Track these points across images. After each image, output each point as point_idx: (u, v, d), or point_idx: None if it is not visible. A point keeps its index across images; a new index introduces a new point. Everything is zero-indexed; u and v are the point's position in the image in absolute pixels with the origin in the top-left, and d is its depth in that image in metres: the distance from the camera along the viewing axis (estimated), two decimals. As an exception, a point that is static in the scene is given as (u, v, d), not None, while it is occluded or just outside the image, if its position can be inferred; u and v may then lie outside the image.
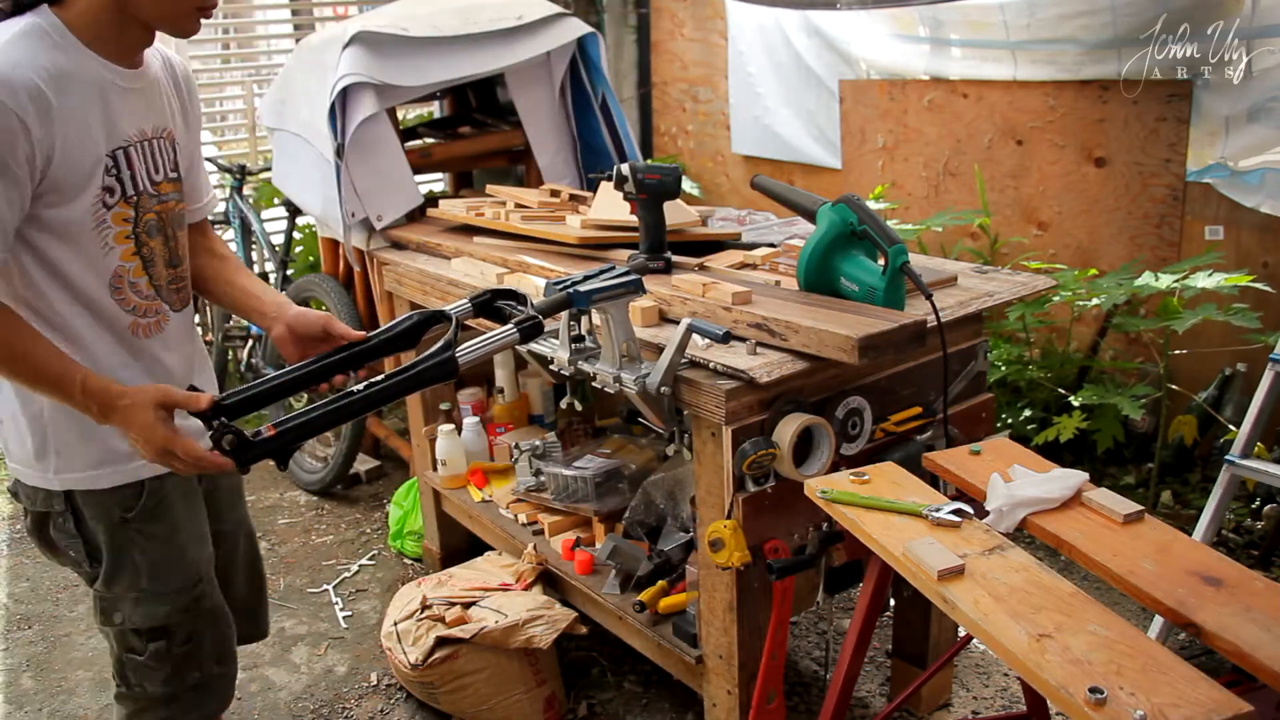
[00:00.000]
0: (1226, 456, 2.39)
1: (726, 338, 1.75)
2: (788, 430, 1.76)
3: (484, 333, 1.67)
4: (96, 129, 1.45)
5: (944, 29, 3.61)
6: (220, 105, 5.22)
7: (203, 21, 1.49)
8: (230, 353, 4.26)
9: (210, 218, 1.83)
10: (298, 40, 4.34)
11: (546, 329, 1.99)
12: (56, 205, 1.43)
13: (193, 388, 1.49)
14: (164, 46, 1.65)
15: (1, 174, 1.35)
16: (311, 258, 4.41)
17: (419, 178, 3.17)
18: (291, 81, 3.14)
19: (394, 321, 1.65)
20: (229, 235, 4.20)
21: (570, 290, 1.77)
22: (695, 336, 1.86)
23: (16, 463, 1.60)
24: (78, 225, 1.46)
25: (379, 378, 1.51)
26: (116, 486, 1.58)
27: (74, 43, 1.42)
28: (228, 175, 4.13)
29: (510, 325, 1.66)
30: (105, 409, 1.43)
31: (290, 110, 3.11)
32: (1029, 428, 3.20)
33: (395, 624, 2.39)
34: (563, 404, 2.17)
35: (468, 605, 2.38)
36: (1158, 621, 2.40)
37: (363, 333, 1.67)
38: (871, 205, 2.64)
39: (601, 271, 1.83)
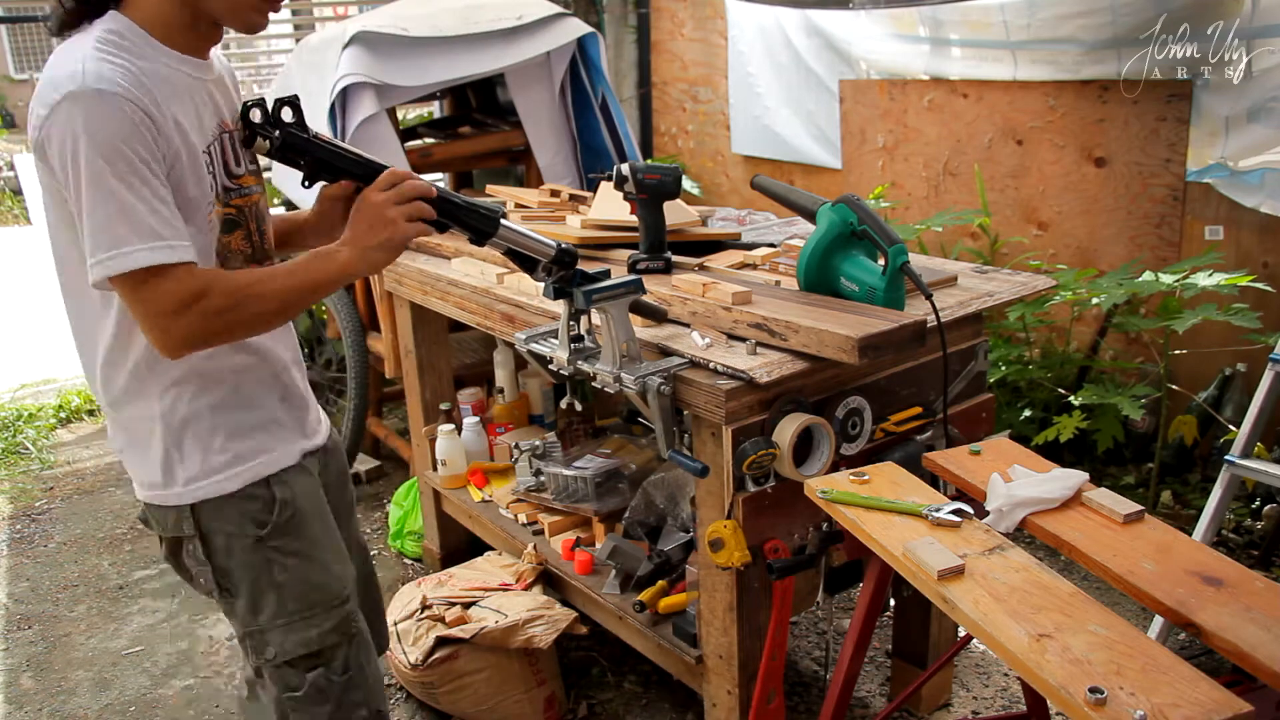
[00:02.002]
0: (1226, 456, 2.39)
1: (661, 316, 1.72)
2: (788, 430, 1.76)
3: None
4: (193, 129, 1.40)
5: (944, 29, 3.61)
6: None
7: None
8: None
9: None
10: (298, 40, 4.34)
11: (546, 329, 2.00)
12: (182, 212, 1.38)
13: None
14: None
15: (143, 174, 1.30)
16: (311, 258, 4.40)
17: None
18: (291, 81, 3.14)
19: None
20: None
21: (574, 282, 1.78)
22: (695, 336, 1.86)
23: (143, 487, 1.52)
24: (197, 229, 1.41)
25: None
26: (246, 491, 1.50)
27: (153, 43, 1.38)
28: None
29: (551, 245, 1.69)
30: (352, 244, 1.42)
31: (290, 110, 3.11)
32: (1029, 428, 3.20)
33: (395, 624, 2.39)
34: (563, 404, 2.16)
35: (468, 605, 2.38)
36: (1158, 621, 2.40)
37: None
38: (871, 205, 2.63)
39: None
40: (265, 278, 1.39)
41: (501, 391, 3.02)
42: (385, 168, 1.50)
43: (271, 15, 1.46)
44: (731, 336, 1.88)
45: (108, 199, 1.27)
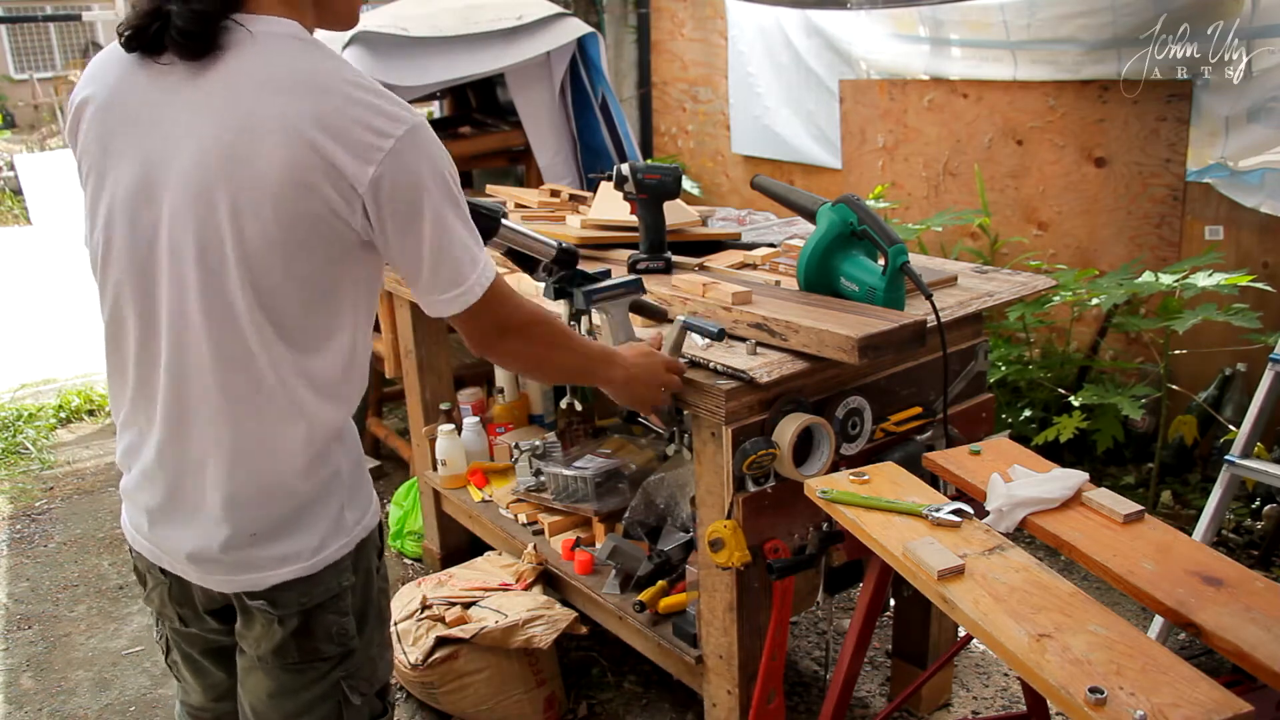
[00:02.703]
0: (1226, 456, 2.39)
1: (721, 335, 1.75)
2: (788, 430, 1.76)
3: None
4: None
5: (944, 29, 3.61)
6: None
7: None
8: None
9: None
10: (298, 40, 4.34)
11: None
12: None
13: None
14: None
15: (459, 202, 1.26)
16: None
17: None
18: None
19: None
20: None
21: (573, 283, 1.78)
22: (693, 335, 1.86)
23: (296, 561, 1.30)
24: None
25: None
26: (380, 522, 1.44)
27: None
28: None
29: (553, 244, 1.74)
30: (620, 362, 1.61)
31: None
32: (1029, 428, 3.20)
33: (395, 624, 2.38)
34: (563, 404, 2.17)
35: (468, 605, 2.38)
36: (1158, 621, 2.40)
37: None
38: (871, 205, 2.64)
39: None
40: (578, 337, 1.55)
41: (501, 391, 3.02)
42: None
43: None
44: (731, 336, 1.88)
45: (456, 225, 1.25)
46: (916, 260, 2.10)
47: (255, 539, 1.29)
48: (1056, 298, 3.00)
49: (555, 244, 1.71)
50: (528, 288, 2.26)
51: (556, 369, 1.56)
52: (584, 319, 1.89)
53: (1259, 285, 2.78)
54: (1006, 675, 2.48)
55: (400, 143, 1.16)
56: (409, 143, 1.17)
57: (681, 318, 1.77)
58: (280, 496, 1.28)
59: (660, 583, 2.22)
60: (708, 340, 1.79)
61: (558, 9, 3.23)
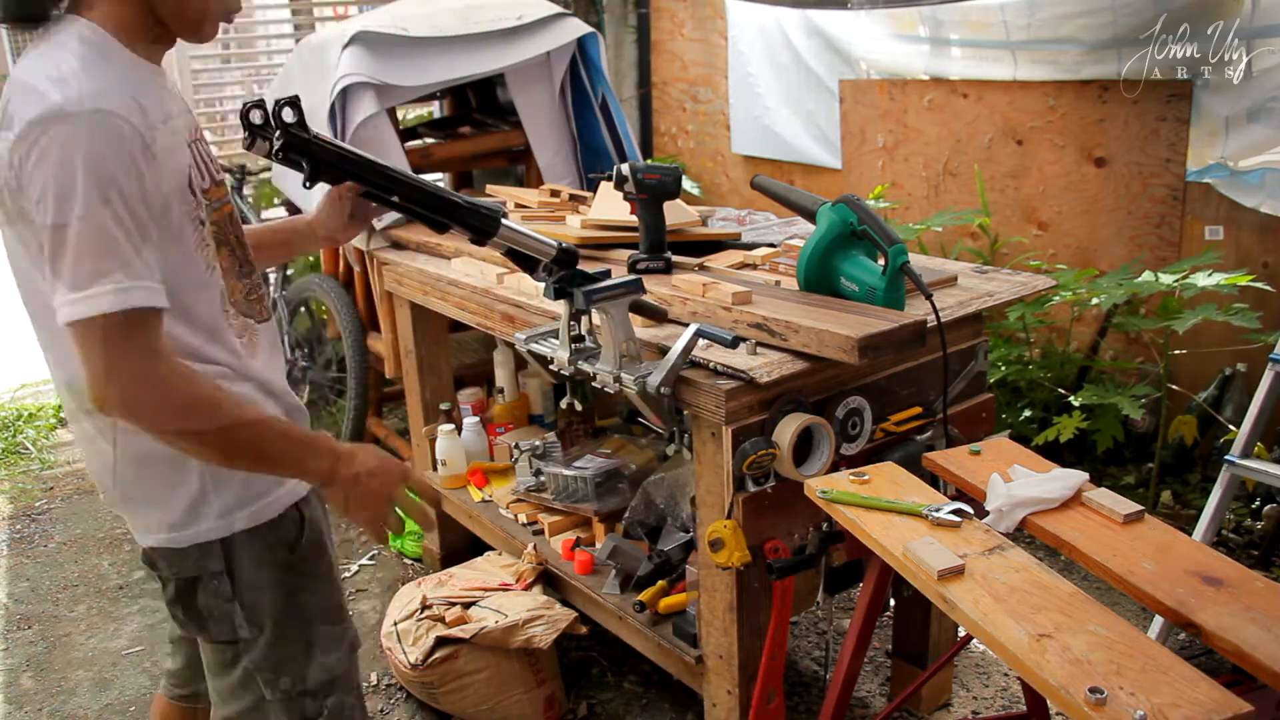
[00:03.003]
0: (1226, 456, 2.39)
1: (735, 343, 1.75)
2: (788, 430, 1.76)
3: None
4: (169, 137, 1.28)
5: (944, 29, 3.61)
6: (220, 105, 5.22)
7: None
8: None
9: None
10: (298, 40, 4.34)
11: (546, 329, 2.00)
12: (167, 229, 1.27)
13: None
14: None
15: (119, 200, 1.18)
16: (311, 258, 4.41)
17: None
18: (291, 81, 3.14)
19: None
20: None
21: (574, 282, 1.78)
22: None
23: (160, 531, 1.39)
24: (181, 242, 1.30)
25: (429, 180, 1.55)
26: (281, 515, 1.43)
27: (121, 48, 1.27)
28: (227, 175, 4.13)
29: (553, 245, 1.69)
30: (345, 457, 1.33)
31: (290, 110, 3.11)
32: (1029, 428, 3.20)
33: (395, 624, 2.39)
34: (563, 404, 2.16)
35: (468, 605, 2.38)
36: (1158, 621, 2.40)
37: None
38: (871, 205, 2.63)
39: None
40: (253, 414, 1.29)
41: (501, 391, 3.02)
42: (387, 168, 1.50)
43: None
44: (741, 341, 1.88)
45: (95, 231, 1.16)
46: (916, 260, 2.10)
47: (127, 499, 1.39)
48: (1056, 298, 3.00)
49: (555, 244, 1.71)
50: (528, 287, 2.27)
51: (219, 437, 1.24)
52: (584, 319, 1.89)
53: (1259, 285, 2.78)
54: (1006, 675, 2.48)
55: (32, 128, 1.16)
56: (41, 131, 1.15)
57: (695, 325, 1.77)
58: (131, 458, 1.35)
59: (660, 583, 2.22)
60: (707, 340, 1.79)
61: (558, 9, 3.23)
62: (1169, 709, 1.08)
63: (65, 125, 1.15)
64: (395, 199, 1.53)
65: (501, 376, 3.00)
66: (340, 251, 3.40)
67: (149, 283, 1.19)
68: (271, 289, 3.81)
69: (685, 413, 1.86)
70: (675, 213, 2.35)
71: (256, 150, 1.44)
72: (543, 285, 1.78)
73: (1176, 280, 2.82)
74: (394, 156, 2.99)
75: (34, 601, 3.06)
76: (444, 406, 2.90)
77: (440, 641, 2.27)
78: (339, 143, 1.50)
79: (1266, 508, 2.96)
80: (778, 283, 2.11)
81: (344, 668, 1.50)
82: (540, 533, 2.55)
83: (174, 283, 1.26)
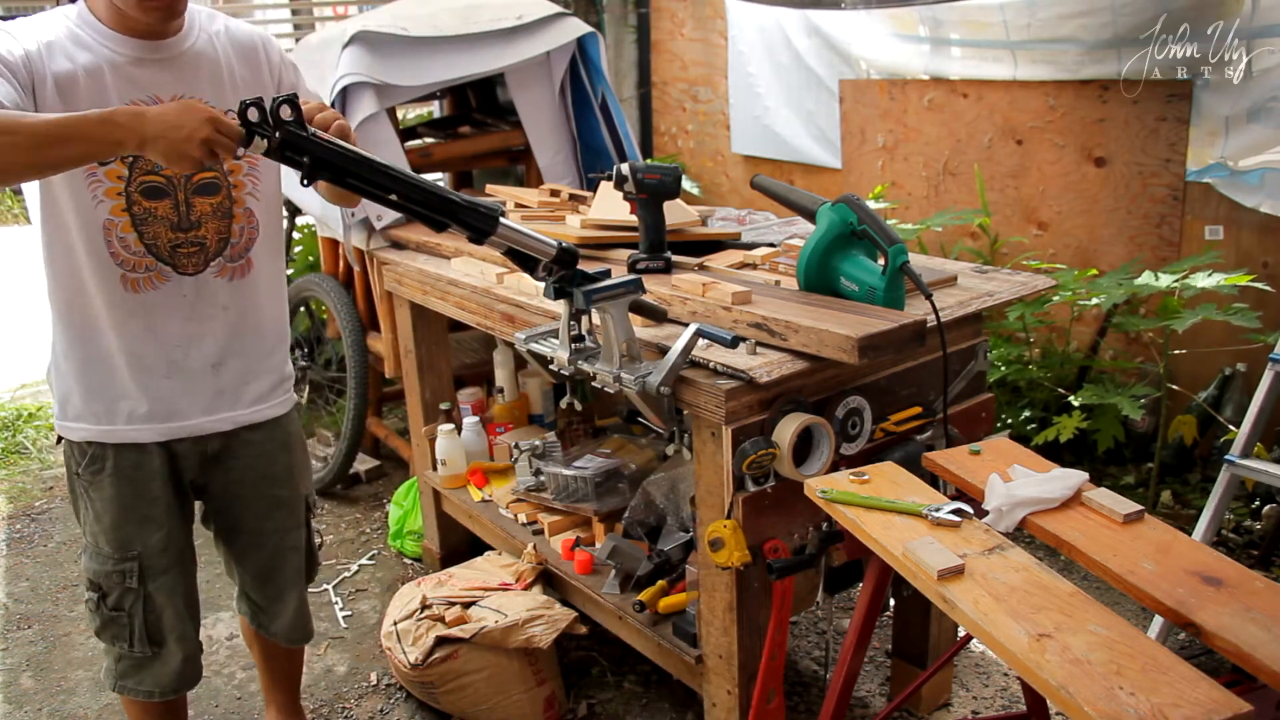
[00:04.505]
0: (1226, 456, 2.39)
1: (735, 342, 1.75)
2: (788, 430, 1.76)
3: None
4: (94, 94, 1.58)
5: (944, 29, 3.61)
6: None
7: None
8: None
9: None
10: (298, 40, 4.34)
11: (546, 329, 2.00)
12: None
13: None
14: (240, 21, 1.78)
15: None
16: (311, 257, 4.41)
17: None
18: (291, 81, 3.14)
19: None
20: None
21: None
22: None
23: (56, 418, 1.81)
24: (69, 173, 1.59)
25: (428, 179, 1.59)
26: (77, 442, 1.79)
27: (91, 22, 1.62)
28: None
29: (553, 245, 1.71)
30: (138, 114, 1.40)
31: (290, 110, 3.11)
32: (1029, 428, 3.20)
33: (395, 624, 2.39)
34: (563, 404, 2.17)
35: (468, 605, 2.38)
36: (1158, 621, 2.40)
37: None
38: (871, 205, 2.63)
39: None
40: (34, 115, 1.43)
41: (501, 391, 3.02)
42: (386, 166, 1.51)
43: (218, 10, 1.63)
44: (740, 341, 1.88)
45: None
46: (916, 260, 2.10)
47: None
48: (1056, 297, 3.00)
49: (555, 244, 1.71)
50: (528, 287, 2.27)
51: (14, 148, 1.37)
52: (584, 318, 1.89)
53: (1259, 285, 2.78)
54: (1006, 675, 2.48)
55: None
56: None
57: (695, 325, 1.77)
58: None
59: (660, 582, 2.22)
60: (707, 340, 1.79)
61: (558, 9, 3.23)
62: (1169, 709, 1.08)
63: None
64: (394, 197, 1.54)
65: (501, 376, 3.00)
66: (340, 251, 3.40)
67: None
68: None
69: (685, 413, 1.86)
70: (675, 213, 2.35)
71: (254, 148, 1.47)
72: (543, 285, 1.78)
73: (1176, 280, 2.82)
74: (393, 156, 2.99)
75: (34, 601, 3.06)
76: (444, 406, 2.90)
77: (440, 641, 2.27)
78: (337, 140, 1.50)
79: (1266, 508, 2.96)
80: (778, 283, 2.11)
81: (103, 583, 1.83)
82: (540, 532, 2.55)
83: (57, 191, 1.64)
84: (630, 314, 1.83)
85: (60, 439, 1.82)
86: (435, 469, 2.89)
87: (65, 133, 1.38)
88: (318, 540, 2.15)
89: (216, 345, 1.80)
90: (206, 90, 1.69)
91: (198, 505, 1.98)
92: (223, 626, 2.84)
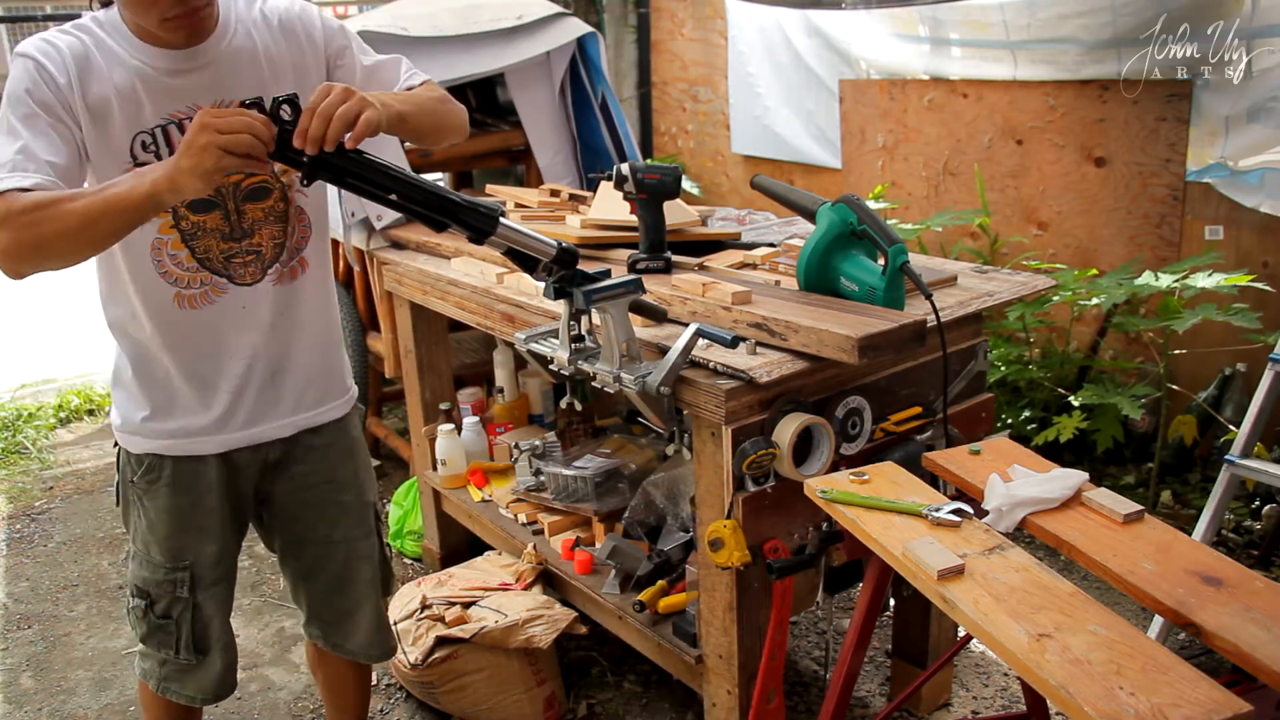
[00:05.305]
0: (1226, 456, 2.39)
1: (735, 342, 1.74)
2: (788, 430, 1.76)
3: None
4: (129, 113, 1.54)
5: (944, 29, 3.61)
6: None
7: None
8: None
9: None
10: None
11: (546, 329, 2.00)
12: (93, 174, 1.55)
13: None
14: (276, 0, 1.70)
15: (31, 117, 1.46)
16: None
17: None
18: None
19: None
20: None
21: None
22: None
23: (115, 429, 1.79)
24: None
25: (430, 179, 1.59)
26: (135, 454, 1.75)
27: (123, 31, 1.55)
28: None
29: (553, 245, 1.70)
30: (150, 169, 1.38)
31: (290, 110, 3.11)
32: (1029, 428, 3.20)
33: (395, 624, 2.38)
34: (563, 404, 2.16)
35: (468, 605, 2.38)
36: (1158, 621, 2.40)
37: None
38: (871, 205, 2.63)
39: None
40: (76, 194, 1.39)
41: (501, 391, 3.02)
42: (385, 165, 1.50)
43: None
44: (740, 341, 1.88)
45: None
46: (916, 260, 2.10)
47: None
48: (1056, 297, 3.00)
49: (555, 244, 1.71)
50: (528, 287, 2.27)
51: (67, 233, 1.37)
52: (584, 318, 1.89)
53: (1259, 285, 2.78)
54: (1006, 675, 2.48)
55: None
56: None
57: (695, 325, 1.77)
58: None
59: (660, 582, 2.22)
60: (707, 340, 1.79)
61: (558, 9, 3.23)
62: (1169, 709, 1.08)
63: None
64: (393, 197, 1.53)
65: (501, 376, 3.00)
66: (340, 251, 3.40)
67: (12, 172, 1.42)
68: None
69: (685, 412, 1.86)
70: (675, 213, 2.35)
71: None
72: (543, 285, 1.78)
73: (1176, 280, 2.82)
74: (393, 156, 2.99)
75: (34, 601, 3.06)
76: (444, 406, 2.90)
77: (440, 641, 2.27)
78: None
79: (1266, 508, 2.96)
80: (778, 282, 2.11)
81: (153, 591, 1.79)
82: (540, 532, 2.55)
83: None
84: (630, 314, 1.83)
85: (116, 444, 1.79)
86: (435, 469, 2.89)
87: (113, 205, 1.37)
88: (389, 553, 2.04)
89: (276, 353, 1.73)
90: (249, 89, 1.59)
91: (260, 528, 1.91)
92: (223, 626, 2.84)
